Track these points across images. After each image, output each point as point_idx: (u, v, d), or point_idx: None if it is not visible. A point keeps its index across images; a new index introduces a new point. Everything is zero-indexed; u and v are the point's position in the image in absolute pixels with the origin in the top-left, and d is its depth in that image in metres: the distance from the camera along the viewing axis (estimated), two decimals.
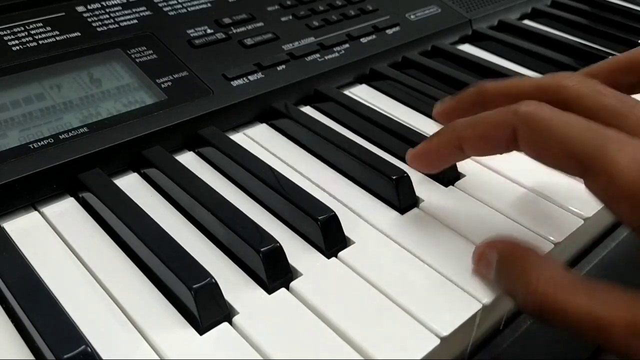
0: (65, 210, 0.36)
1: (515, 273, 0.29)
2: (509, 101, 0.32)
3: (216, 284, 0.29)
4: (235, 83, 0.44)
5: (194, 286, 0.28)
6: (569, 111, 0.30)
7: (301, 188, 0.36)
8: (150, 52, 0.45)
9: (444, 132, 0.34)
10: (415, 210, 0.37)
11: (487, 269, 0.31)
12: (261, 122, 0.46)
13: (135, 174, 0.39)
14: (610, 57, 0.36)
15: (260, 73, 0.46)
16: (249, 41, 0.48)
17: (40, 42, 0.43)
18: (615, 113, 0.29)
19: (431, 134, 0.43)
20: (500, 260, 0.30)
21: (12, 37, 0.42)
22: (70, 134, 0.37)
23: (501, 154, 0.32)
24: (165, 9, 0.49)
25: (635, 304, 0.24)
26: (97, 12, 0.47)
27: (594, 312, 0.25)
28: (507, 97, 0.33)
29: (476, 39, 0.62)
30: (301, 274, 0.32)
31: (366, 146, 0.42)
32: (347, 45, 0.52)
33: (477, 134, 0.32)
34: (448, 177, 0.40)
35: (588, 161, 0.26)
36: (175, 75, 0.43)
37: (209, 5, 0.51)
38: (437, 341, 0.28)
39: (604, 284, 0.26)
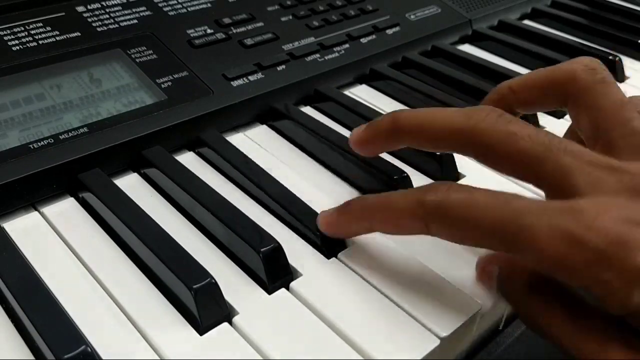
0: (65, 210, 0.36)
1: (516, 288, 0.28)
2: (426, 142, 0.31)
3: (216, 284, 0.29)
4: (235, 83, 0.44)
5: (194, 286, 0.28)
6: (485, 156, 0.29)
7: (295, 194, 0.36)
8: (150, 52, 0.45)
9: (354, 210, 0.32)
10: None
11: (489, 282, 0.30)
12: (261, 123, 0.46)
13: (135, 174, 0.39)
14: (531, 72, 0.34)
15: (260, 73, 0.46)
16: (249, 41, 0.48)
17: (40, 42, 0.43)
18: (531, 159, 0.27)
19: None
20: (501, 275, 0.29)
21: (12, 37, 0.42)
22: (70, 134, 0.37)
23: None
24: (165, 9, 0.49)
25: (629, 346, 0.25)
26: (97, 12, 0.47)
27: (577, 345, 0.25)
28: (423, 137, 0.31)
29: (476, 39, 0.62)
30: (301, 274, 0.32)
31: None
32: (347, 45, 0.52)
33: (386, 220, 0.30)
34: (448, 177, 0.40)
35: (509, 242, 0.25)
36: (175, 75, 0.43)
37: (209, 5, 0.51)
38: (437, 341, 0.28)
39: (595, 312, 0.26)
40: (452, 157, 0.41)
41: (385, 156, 0.41)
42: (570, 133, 0.35)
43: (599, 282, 0.23)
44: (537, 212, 0.24)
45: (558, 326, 0.26)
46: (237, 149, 0.40)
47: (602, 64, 0.32)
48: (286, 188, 0.37)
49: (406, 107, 0.49)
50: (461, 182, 0.40)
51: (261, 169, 0.38)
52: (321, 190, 0.39)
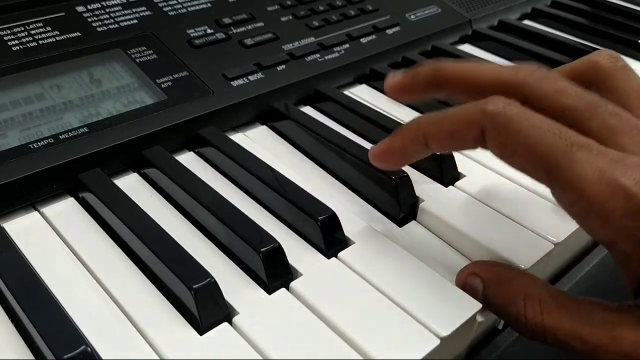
0: (65, 210, 0.36)
1: (502, 298, 0.29)
2: (468, 90, 0.31)
3: (216, 284, 0.29)
4: (235, 83, 0.44)
5: (194, 286, 0.28)
6: (529, 108, 0.29)
7: (301, 188, 0.36)
8: (150, 52, 0.45)
9: (408, 129, 0.32)
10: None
11: (473, 295, 0.31)
12: (261, 122, 0.46)
13: (135, 174, 0.39)
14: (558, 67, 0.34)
15: (260, 73, 0.46)
16: (249, 41, 0.48)
17: (40, 42, 0.43)
18: (577, 115, 0.28)
19: None
20: (486, 286, 0.30)
21: (12, 37, 0.42)
22: (70, 134, 0.37)
23: (470, 149, 0.31)
24: (165, 9, 0.49)
25: (615, 326, 0.25)
26: (97, 12, 0.47)
27: (579, 334, 0.25)
28: (466, 86, 0.31)
29: (476, 39, 0.62)
30: (301, 274, 0.32)
31: (366, 146, 0.42)
32: (347, 45, 0.52)
33: (443, 131, 0.30)
34: (448, 177, 0.40)
35: (555, 171, 0.25)
36: (175, 75, 0.43)
37: (209, 5, 0.51)
38: (437, 341, 0.28)
39: (587, 302, 0.27)
40: (452, 157, 0.41)
41: None
42: None
43: (631, 236, 0.23)
44: (591, 152, 0.25)
45: (563, 326, 0.26)
46: (237, 143, 0.40)
47: (619, 55, 0.33)
48: (286, 187, 0.37)
49: (406, 108, 0.49)
50: (461, 181, 0.40)
51: (261, 166, 0.38)
52: (321, 190, 0.39)
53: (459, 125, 0.29)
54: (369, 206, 0.38)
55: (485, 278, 0.30)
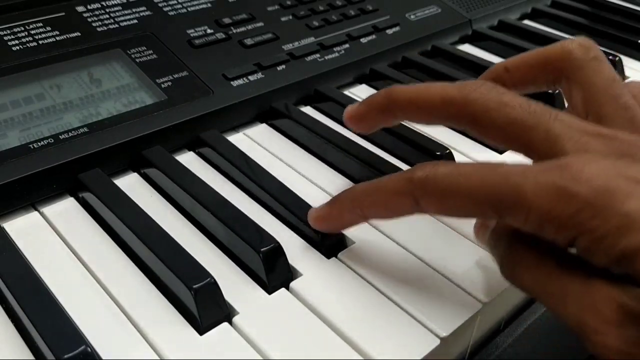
0: (65, 210, 0.36)
1: (500, 241, 0.28)
2: (420, 113, 0.32)
3: (216, 284, 0.29)
4: (235, 83, 0.44)
5: (194, 286, 0.28)
6: (476, 125, 0.29)
7: (296, 194, 0.36)
8: (150, 52, 0.45)
9: (344, 199, 0.32)
10: None
11: (484, 236, 0.30)
12: (261, 122, 0.46)
13: (135, 174, 0.39)
14: (526, 51, 0.35)
15: (260, 73, 0.46)
16: (249, 41, 0.48)
17: (40, 42, 0.43)
18: (523, 126, 0.28)
19: (430, 134, 0.43)
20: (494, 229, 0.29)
21: (12, 37, 0.42)
22: (70, 134, 0.37)
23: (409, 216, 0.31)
24: (165, 9, 0.49)
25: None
26: (97, 12, 0.47)
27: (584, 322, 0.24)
28: (417, 108, 0.32)
29: (476, 39, 0.62)
30: (301, 274, 0.32)
31: (366, 146, 0.42)
32: (347, 45, 0.52)
33: (377, 203, 0.30)
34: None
35: (499, 203, 0.25)
36: (175, 75, 0.43)
37: (209, 5, 0.51)
38: (437, 341, 0.28)
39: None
40: (452, 156, 0.41)
41: (385, 156, 0.41)
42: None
43: (586, 231, 0.23)
44: (523, 172, 0.25)
45: (543, 274, 0.26)
46: (236, 147, 0.40)
47: (595, 43, 0.33)
48: (286, 187, 0.37)
49: None
50: None
51: (261, 167, 0.38)
52: (321, 189, 0.39)
53: (391, 198, 0.29)
54: None
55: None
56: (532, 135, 0.28)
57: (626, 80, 0.57)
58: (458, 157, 0.42)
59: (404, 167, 0.40)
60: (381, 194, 0.30)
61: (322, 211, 0.33)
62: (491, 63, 0.55)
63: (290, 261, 0.32)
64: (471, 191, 0.26)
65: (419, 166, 0.28)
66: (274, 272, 0.31)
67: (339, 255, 0.33)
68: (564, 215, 0.24)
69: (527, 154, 0.29)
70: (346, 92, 0.51)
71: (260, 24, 0.51)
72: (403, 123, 0.45)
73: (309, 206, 0.35)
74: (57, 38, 0.43)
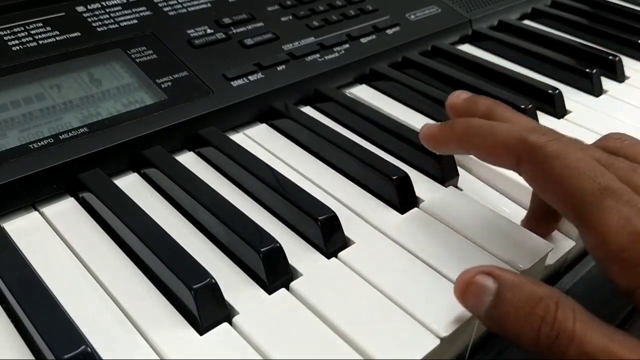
0: (65, 210, 0.36)
1: (524, 302, 0.25)
2: (493, 150, 0.31)
3: (216, 284, 0.29)
4: (235, 83, 0.44)
5: (194, 286, 0.28)
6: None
7: (301, 188, 0.36)
8: (150, 52, 0.45)
9: (457, 129, 0.33)
10: (415, 210, 0.37)
11: (478, 299, 0.27)
12: (261, 122, 0.46)
13: (135, 174, 0.39)
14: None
15: (260, 73, 0.46)
16: (249, 41, 0.48)
17: (40, 42, 0.42)
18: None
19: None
20: (502, 289, 0.26)
21: (12, 37, 0.42)
22: (70, 134, 0.37)
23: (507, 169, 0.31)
24: (165, 9, 0.49)
25: None
26: (97, 12, 0.47)
27: (610, 349, 0.24)
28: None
29: (476, 39, 0.62)
30: (301, 274, 0.32)
31: (366, 146, 0.42)
32: (347, 45, 0.52)
33: (484, 146, 0.31)
34: (447, 176, 0.40)
35: (582, 214, 0.25)
36: (175, 75, 0.43)
37: (209, 5, 0.51)
38: (437, 341, 0.28)
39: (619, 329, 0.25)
40: (452, 157, 0.41)
41: (385, 156, 0.41)
42: None
43: None
44: (620, 198, 0.25)
45: (595, 338, 0.24)
46: (237, 144, 0.40)
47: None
48: (286, 187, 0.37)
49: (406, 108, 0.49)
50: (461, 180, 0.40)
51: (261, 166, 0.38)
52: (322, 189, 0.39)
53: (499, 147, 0.30)
54: (370, 206, 0.38)
55: (503, 278, 0.26)
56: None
57: (626, 81, 0.57)
58: (458, 159, 0.42)
59: (405, 167, 0.40)
60: (491, 140, 0.30)
61: (433, 130, 0.34)
62: (491, 63, 0.55)
63: (290, 261, 0.32)
64: (566, 188, 0.26)
65: (537, 129, 0.28)
66: (274, 272, 0.31)
67: (339, 255, 0.33)
68: (635, 260, 0.24)
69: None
70: (346, 92, 0.51)
71: (260, 24, 0.51)
72: (402, 123, 0.45)
73: (308, 207, 0.35)
74: (57, 38, 0.43)
